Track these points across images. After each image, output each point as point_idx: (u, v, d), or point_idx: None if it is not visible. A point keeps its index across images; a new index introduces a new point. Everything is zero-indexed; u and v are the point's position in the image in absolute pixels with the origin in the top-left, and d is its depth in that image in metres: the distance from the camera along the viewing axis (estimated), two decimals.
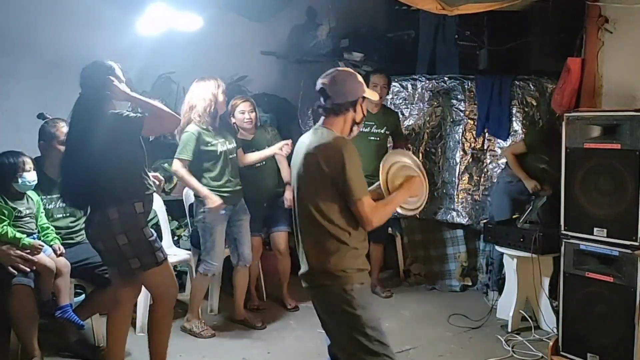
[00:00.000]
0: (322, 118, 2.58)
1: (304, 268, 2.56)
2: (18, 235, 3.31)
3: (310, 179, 2.48)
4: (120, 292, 3.19)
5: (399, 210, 2.63)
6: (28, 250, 3.30)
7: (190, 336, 4.02)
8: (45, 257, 3.38)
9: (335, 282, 2.46)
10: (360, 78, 2.61)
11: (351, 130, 2.63)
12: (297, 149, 2.60)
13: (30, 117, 4.13)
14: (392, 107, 5.30)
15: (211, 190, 3.88)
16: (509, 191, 4.60)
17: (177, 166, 3.88)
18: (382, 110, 4.79)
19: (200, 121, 3.86)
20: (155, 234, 3.09)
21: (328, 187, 2.43)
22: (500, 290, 4.56)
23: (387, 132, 4.76)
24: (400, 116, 5.31)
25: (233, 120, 4.26)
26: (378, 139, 4.71)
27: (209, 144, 3.88)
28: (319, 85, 2.56)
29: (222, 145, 3.93)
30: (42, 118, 3.62)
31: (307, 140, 2.55)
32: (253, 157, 4.24)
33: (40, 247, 3.35)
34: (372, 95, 2.73)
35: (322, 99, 2.55)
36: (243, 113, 4.23)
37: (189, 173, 3.87)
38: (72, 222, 3.72)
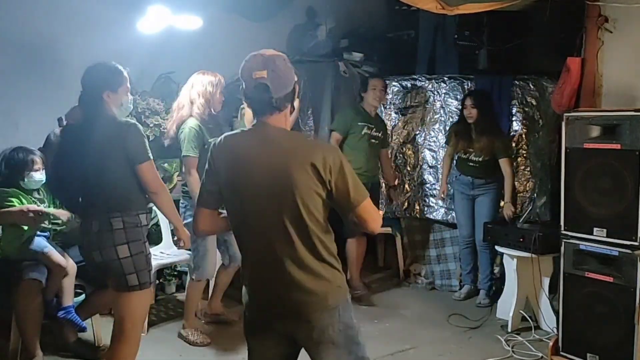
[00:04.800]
0: (265, 115, 2.16)
1: (292, 294, 2.04)
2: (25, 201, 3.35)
3: (305, 186, 2.04)
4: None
5: None
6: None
7: None
8: (58, 255, 3.42)
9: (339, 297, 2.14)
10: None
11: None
12: (237, 153, 2.13)
13: (29, 117, 4.12)
14: (392, 106, 5.36)
15: None
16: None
17: (192, 164, 3.70)
18: (377, 115, 4.92)
19: (201, 115, 3.74)
20: (150, 252, 2.89)
21: (322, 193, 2.06)
22: (489, 290, 4.65)
23: (382, 137, 4.85)
24: (400, 116, 5.35)
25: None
26: (377, 141, 4.80)
27: (208, 141, 3.70)
28: (253, 77, 2.16)
29: None
30: (60, 124, 3.66)
31: (265, 142, 2.11)
32: None
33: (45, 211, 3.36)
34: None
35: (259, 93, 2.16)
36: None
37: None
38: None
